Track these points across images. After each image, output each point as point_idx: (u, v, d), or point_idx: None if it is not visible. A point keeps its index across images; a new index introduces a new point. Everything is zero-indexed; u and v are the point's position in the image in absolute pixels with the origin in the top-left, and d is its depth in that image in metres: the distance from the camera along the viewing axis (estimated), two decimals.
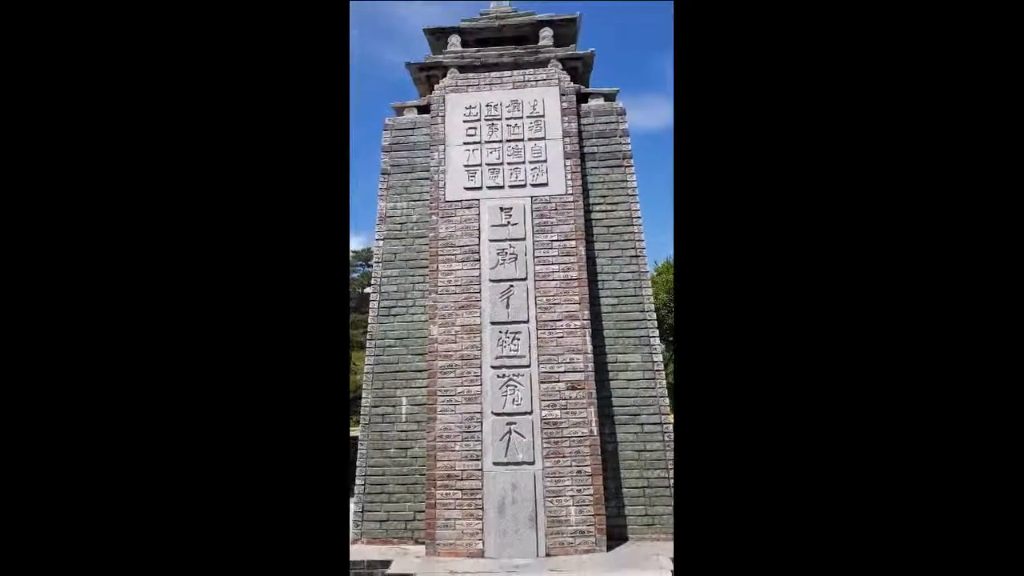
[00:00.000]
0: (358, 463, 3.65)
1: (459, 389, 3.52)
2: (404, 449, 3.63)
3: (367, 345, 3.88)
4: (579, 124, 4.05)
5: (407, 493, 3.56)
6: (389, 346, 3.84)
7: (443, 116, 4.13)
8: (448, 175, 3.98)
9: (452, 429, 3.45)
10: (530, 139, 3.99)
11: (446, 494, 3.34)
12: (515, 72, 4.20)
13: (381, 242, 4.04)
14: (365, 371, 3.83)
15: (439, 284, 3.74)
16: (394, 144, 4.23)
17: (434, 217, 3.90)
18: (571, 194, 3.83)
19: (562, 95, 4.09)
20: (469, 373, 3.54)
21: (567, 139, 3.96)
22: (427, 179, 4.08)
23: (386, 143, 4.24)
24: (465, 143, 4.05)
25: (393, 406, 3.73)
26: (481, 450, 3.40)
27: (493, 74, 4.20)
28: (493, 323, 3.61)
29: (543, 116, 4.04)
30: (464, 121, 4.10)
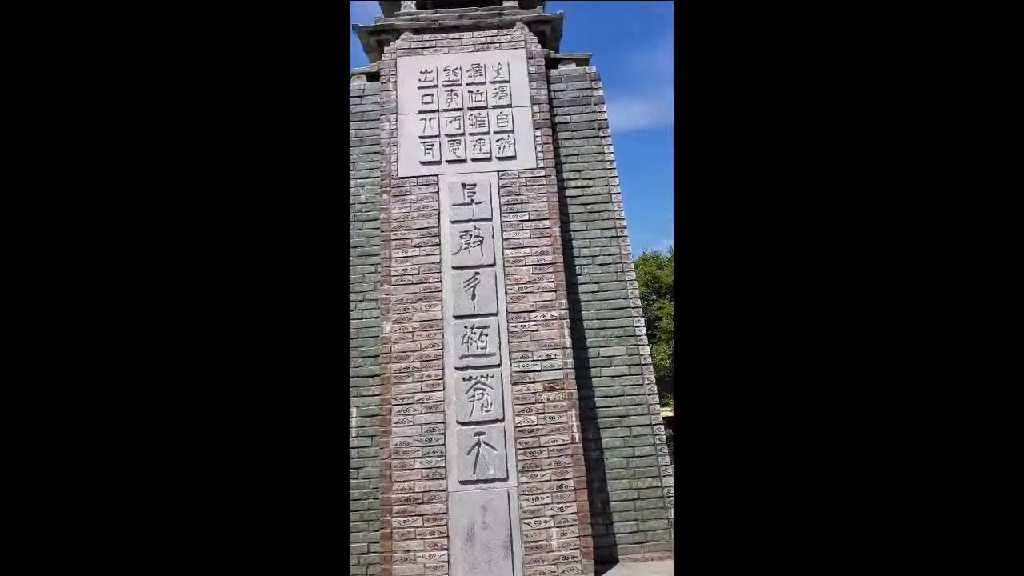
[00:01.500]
0: None
1: (418, 396, 2.99)
2: (356, 469, 3.06)
3: None
4: (549, 91, 3.60)
5: (360, 521, 2.99)
6: None
7: (395, 82, 3.59)
8: (401, 148, 3.45)
9: (410, 444, 2.92)
10: (495, 107, 3.50)
11: (404, 521, 2.80)
12: (476, 34, 3.72)
13: None
14: None
15: (392, 274, 3.20)
16: None
17: (385, 196, 3.36)
18: (542, 168, 3.37)
19: (529, 59, 3.63)
20: (429, 377, 3.02)
21: (536, 107, 3.50)
22: (377, 153, 3.54)
23: None
24: (421, 112, 3.52)
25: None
26: (445, 467, 2.87)
27: (452, 35, 3.70)
28: (457, 317, 3.10)
29: (508, 82, 3.56)
30: (419, 87, 3.58)
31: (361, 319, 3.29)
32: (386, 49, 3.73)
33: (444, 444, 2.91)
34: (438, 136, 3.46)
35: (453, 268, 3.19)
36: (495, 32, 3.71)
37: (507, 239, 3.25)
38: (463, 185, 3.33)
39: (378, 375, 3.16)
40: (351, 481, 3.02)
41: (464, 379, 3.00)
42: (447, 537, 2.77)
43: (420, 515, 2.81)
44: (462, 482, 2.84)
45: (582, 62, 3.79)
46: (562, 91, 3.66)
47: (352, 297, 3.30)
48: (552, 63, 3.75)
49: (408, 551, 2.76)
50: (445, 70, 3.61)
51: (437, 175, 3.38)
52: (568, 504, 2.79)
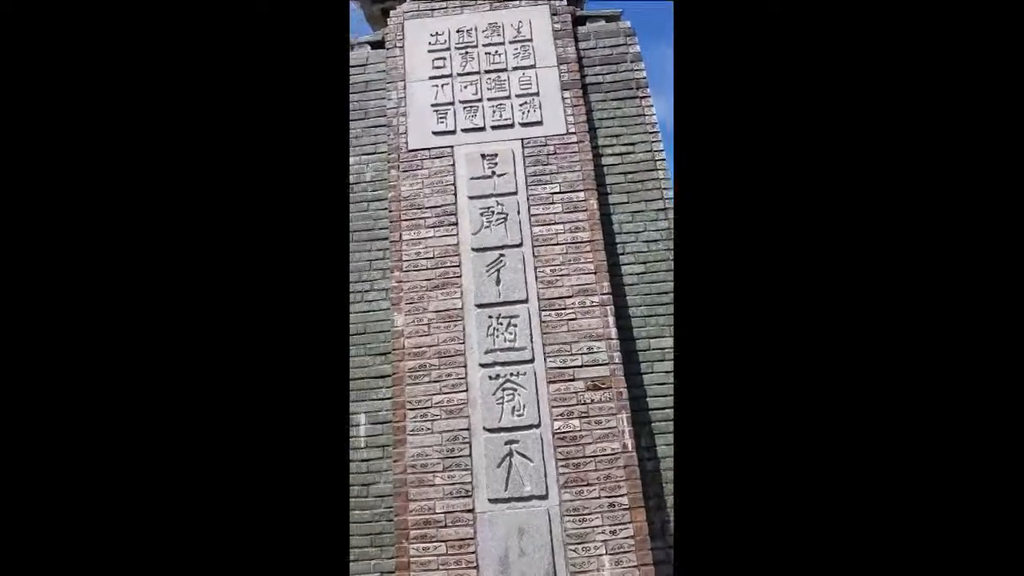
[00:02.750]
0: None
1: (436, 398, 2.54)
2: (365, 486, 2.61)
3: None
4: (578, 49, 3.17)
5: (371, 547, 2.54)
6: None
7: (401, 47, 3.20)
8: (411, 119, 3.04)
9: (429, 455, 2.47)
10: (516, 68, 3.09)
11: (424, 548, 2.35)
12: None
13: None
14: None
15: (404, 258, 2.78)
16: None
17: (393, 172, 2.95)
18: (574, 133, 2.93)
19: (553, 15, 3.21)
20: (450, 376, 2.57)
21: (564, 67, 3.07)
22: (384, 126, 3.14)
23: None
24: (432, 78, 3.12)
25: (351, 427, 2.73)
26: (472, 483, 2.41)
27: None
28: (480, 305, 2.66)
29: (531, 40, 3.15)
30: (430, 51, 3.18)
31: (368, 311, 2.86)
32: (392, 13, 3.34)
33: (469, 455, 2.45)
34: (452, 103, 3.05)
35: (473, 250, 2.75)
36: None
37: (535, 215, 2.81)
38: (482, 156, 2.91)
39: (390, 375, 2.72)
40: (361, 500, 2.57)
41: (491, 377, 2.55)
42: (476, 568, 2.30)
43: (442, 541, 2.35)
44: (493, 500, 2.37)
45: (612, 18, 3.36)
46: (592, 49, 3.23)
47: (357, 287, 2.88)
48: (579, 21, 3.33)
49: None
50: (458, 31, 3.21)
51: (452, 146, 2.96)
52: (622, 526, 2.31)
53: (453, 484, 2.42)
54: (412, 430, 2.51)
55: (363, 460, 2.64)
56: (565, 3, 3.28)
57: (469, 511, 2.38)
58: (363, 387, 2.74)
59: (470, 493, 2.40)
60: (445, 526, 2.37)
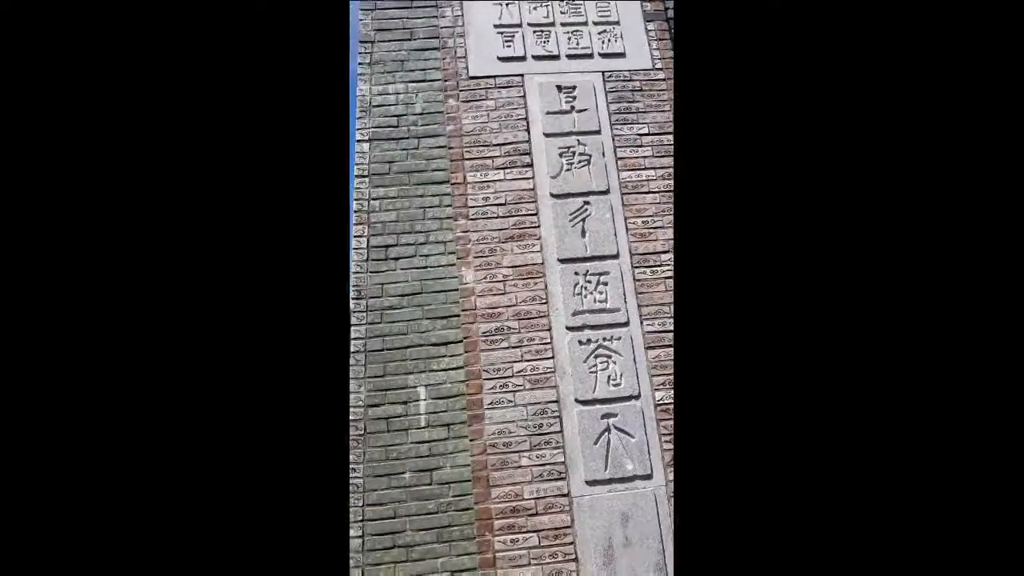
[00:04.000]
0: (353, 501, 2.20)
1: (518, 367, 2.17)
2: (427, 471, 2.21)
3: (352, 309, 2.40)
4: None
5: (437, 543, 2.16)
6: (390, 307, 2.39)
7: None
8: (470, 40, 2.57)
9: (512, 432, 2.10)
10: None
11: (512, 541, 2.00)
12: None
13: (366, 146, 2.55)
14: (352, 351, 2.36)
15: (469, 204, 2.35)
16: None
17: (451, 102, 2.48)
18: (660, 69, 2.57)
19: None
20: (532, 340, 2.20)
21: None
22: (435, 48, 2.64)
23: None
24: None
25: (404, 402, 2.29)
26: (565, 463, 2.08)
27: None
28: (563, 260, 2.29)
29: None
30: None
31: (426, 268, 2.41)
32: None
33: (560, 431, 2.11)
34: (519, 25, 2.60)
35: (553, 196, 2.36)
36: None
37: (622, 158, 2.44)
38: (559, 88, 2.50)
39: (453, 341, 2.31)
40: (423, 488, 2.18)
41: (580, 343, 2.20)
42: (575, 559, 1.98)
43: (534, 531, 2.01)
44: (590, 483, 2.05)
45: None
46: None
47: (408, 239, 2.43)
48: None
49: None
50: None
51: (522, 74, 2.53)
52: None
53: (543, 465, 2.08)
54: (491, 403, 2.13)
55: (423, 442, 2.23)
56: None
57: (564, 495, 2.04)
58: (421, 356, 2.32)
59: (564, 475, 2.06)
60: (536, 513, 2.03)
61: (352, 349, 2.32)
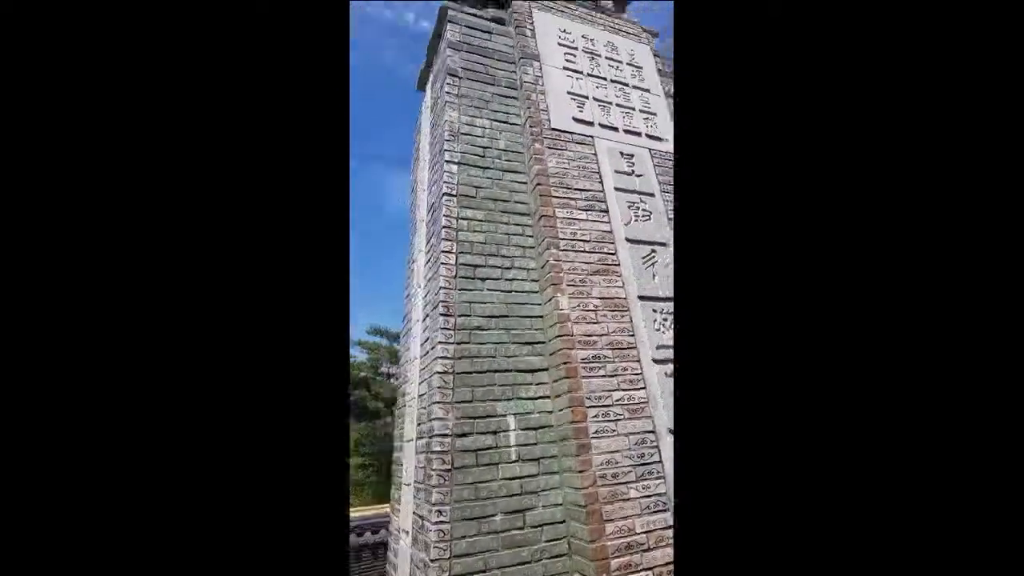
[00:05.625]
0: (432, 552, 1.81)
1: (616, 395, 2.17)
2: (519, 512, 1.97)
3: (440, 328, 2.19)
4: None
5: None
6: (478, 328, 2.23)
7: (532, 31, 3.06)
8: (550, 98, 2.85)
9: (619, 462, 2.04)
10: (635, 87, 3.23)
11: None
12: (603, 16, 3.50)
13: (455, 167, 2.51)
14: (434, 371, 2.10)
15: (560, 236, 2.44)
16: (465, 42, 2.89)
17: (537, 146, 2.65)
18: None
19: (655, 56, 3.53)
20: (626, 370, 2.25)
21: (669, 101, 3.35)
22: (514, 98, 2.85)
23: (453, 37, 2.87)
24: (566, 68, 3.03)
25: (494, 432, 2.07)
26: (666, 494, 2.06)
27: (583, 7, 3.40)
28: (642, 298, 2.47)
29: (642, 68, 3.37)
30: (559, 44, 3.11)
31: (511, 292, 2.36)
32: (513, 2, 3.19)
33: (660, 460, 2.12)
34: (587, 98, 2.99)
35: (628, 240, 2.60)
36: (621, 21, 3.55)
37: (670, 220, 2.83)
38: (621, 153, 2.87)
39: (540, 369, 2.24)
40: (515, 534, 1.92)
41: (667, 375, 2.32)
42: None
43: (648, 568, 1.90)
44: None
45: None
46: None
47: (495, 261, 2.38)
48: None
49: None
50: (583, 37, 3.24)
51: (592, 136, 2.85)
52: None
53: (649, 497, 2.03)
54: (596, 432, 2.06)
55: (515, 478, 2.02)
56: (658, 49, 3.66)
57: (671, 527, 2.00)
58: (509, 382, 2.18)
59: (667, 506, 2.04)
60: (648, 549, 1.93)
61: (440, 370, 2.08)
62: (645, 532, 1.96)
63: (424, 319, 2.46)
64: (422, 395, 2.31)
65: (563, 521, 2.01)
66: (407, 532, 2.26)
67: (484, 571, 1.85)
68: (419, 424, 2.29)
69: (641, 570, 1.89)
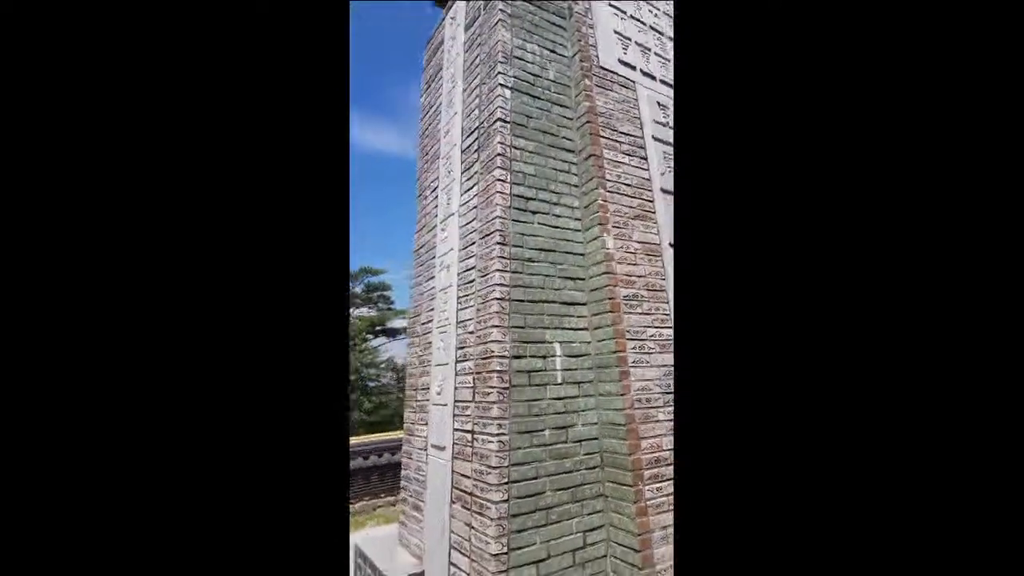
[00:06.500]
0: (493, 460, 1.94)
1: (650, 331, 2.37)
2: (563, 428, 2.15)
3: (497, 256, 2.20)
4: None
5: (572, 503, 2.09)
6: (530, 260, 2.27)
7: None
8: (599, 34, 2.79)
9: (651, 390, 2.26)
10: (670, 38, 3.24)
11: (658, 490, 2.12)
12: None
13: (508, 93, 2.42)
14: (492, 297, 2.14)
15: (607, 178, 2.50)
16: None
17: (586, 82, 2.63)
18: None
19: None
20: (658, 309, 2.44)
21: None
22: (562, 28, 2.75)
23: None
24: (611, 4, 2.95)
25: (543, 357, 2.19)
26: None
27: None
28: (672, 246, 2.63)
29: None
30: None
31: (558, 227, 2.41)
32: None
33: None
34: (631, 40, 2.96)
35: (662, 190, 2.71)
36: None
37: None
38: (658, 103, 2.92)
39: (580, 303, 2.36)
40: (559, 447, 2.11)
41: None
42: None
43: (670, 479, 2.18)
44: None
45: None
46: None
47: (544, 196, 2.40)
48: None
49: (666, 528, 2.09)
50: None
51: (635, 81, 2.86)
52: None
53: (671, 420, 2.29)
54: (633, 362, 2.25)
55: (559, 398, 2.18)
56: None
57: None
58: (555, 313, 2.28)
59: None
60: (671, 464, 2.21)
61: (499, 296, 2.13)
62: (669, 449, 2.23)
63: (466, 248, 2.45)
64: (464, 321, 2.35)
65: (597, 438, 2.23)
66: (442, 447, 2.37)
67: (536, 478, 2.02)
68: (460, 348, 2.35)
69: (665, 480, 2.17)
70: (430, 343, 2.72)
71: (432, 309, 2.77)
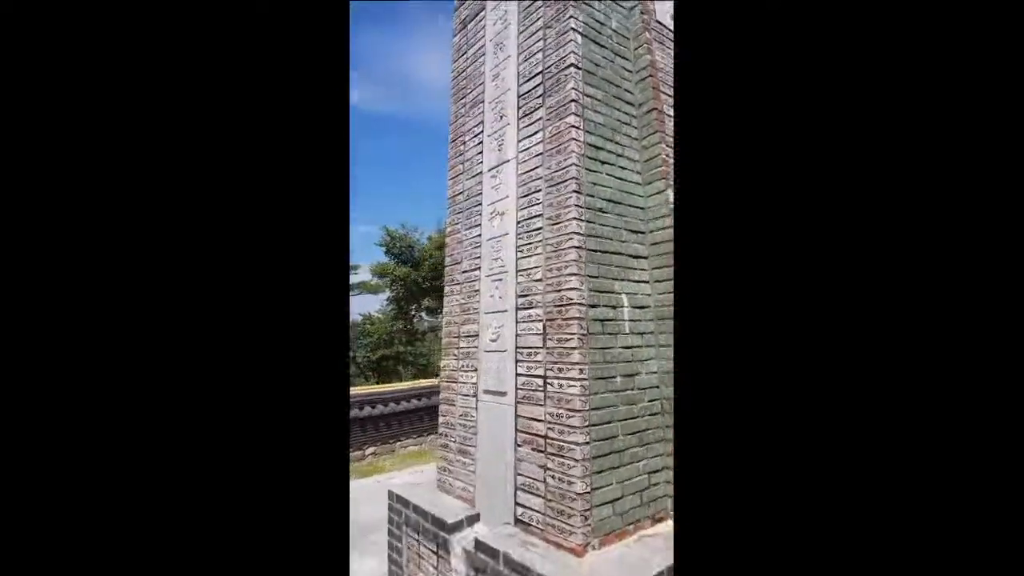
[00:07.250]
0: (576, 403, 1.96)
1: None
2: (631, 376, 2.20)
3: (573, 205, 2.16)
4: None
5: (639, 447, 2.17)
6: (601, 210, 2.26)
7: None
8: None
9: None
10: None
11: None
12: None
13: (580, 39, 2.34)
14: (571, 245, 2.11)
15: (667, 132, 2.51)
16: None
17: (647, 35, 2.59)
18: None
19: None
20: None
21: None
22: None
23: None
24: None
25: (614, 307, 2.21)
26: None
27: None
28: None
29: None
30: None
31: (623, 180, 2.40)
32: None
33: None
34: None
35: None
36: None
37: None
38: None
39: (642, 256, 2.39)
40: (627, 393, 2.16)
41: None
42: None
43: None
44: None
45: None
46: None
47: (610, 147, 2.38)
48: None
49: None
50: None
51: None
52: None
53: None
54: None
55: (626, 347, 2.22)
56: None
57: None
58: (622, 264, 2.30)
59: None
60: None
61: (577, 244, 2.11)
62: None
63: (527, 196, 2.39)
64: (527, 269, 2.32)
65: (658, 386, 2.30)
66: (502, 392, 2.35)
67: (610, 422, 2.07)
68: (524, 296, 2.31)
69: None
70: (477, 291, 2.66)
71: (478, 257, 2.70)
